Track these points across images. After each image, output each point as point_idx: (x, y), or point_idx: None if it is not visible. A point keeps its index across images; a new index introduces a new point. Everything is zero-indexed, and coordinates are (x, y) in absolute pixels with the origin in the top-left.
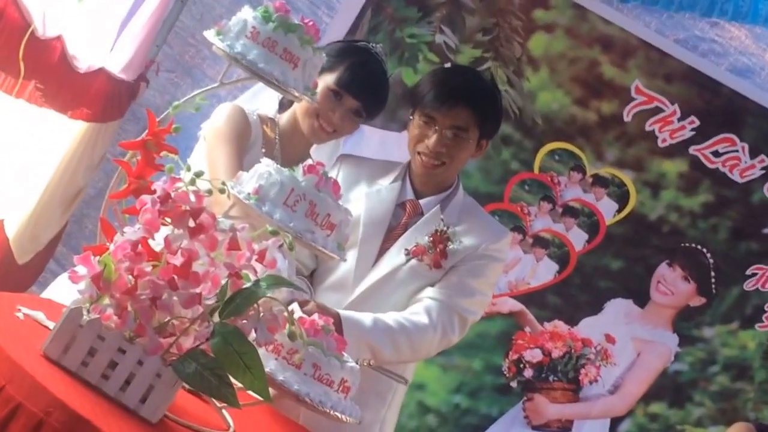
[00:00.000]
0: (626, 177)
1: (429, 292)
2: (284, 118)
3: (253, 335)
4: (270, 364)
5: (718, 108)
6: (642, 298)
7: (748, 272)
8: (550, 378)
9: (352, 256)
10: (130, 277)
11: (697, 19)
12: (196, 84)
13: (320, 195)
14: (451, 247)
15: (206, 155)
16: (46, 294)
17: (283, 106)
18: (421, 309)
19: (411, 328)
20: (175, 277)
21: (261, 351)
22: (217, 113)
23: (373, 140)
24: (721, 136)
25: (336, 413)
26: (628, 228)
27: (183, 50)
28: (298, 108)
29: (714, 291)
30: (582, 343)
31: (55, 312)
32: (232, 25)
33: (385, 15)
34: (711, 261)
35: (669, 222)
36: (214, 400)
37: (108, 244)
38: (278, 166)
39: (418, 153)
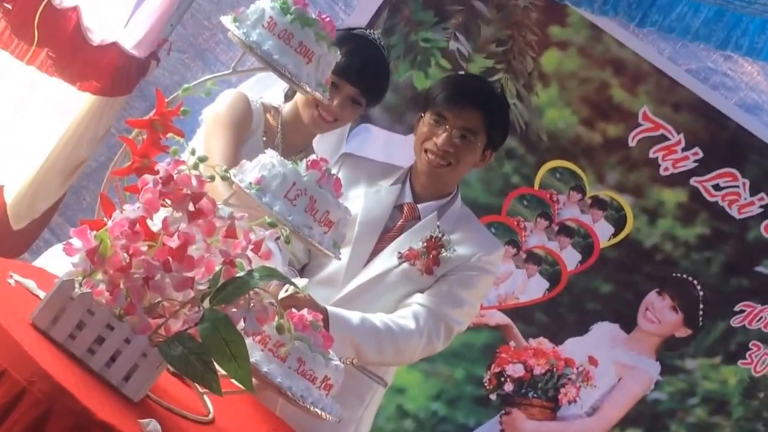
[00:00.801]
0: (625, 202)
1: (418, 297)
2: (287, 108)
3: (241, 324)
4: (256, 354)
5: (723, 142)
6: (629, 324)
7: (737, 308)
8: (530, 394)
9: (345, 253)
10: (125, 254)
11: (711, 50)
12: (207, 67)
13: (321, 191)
14: (444, 254)
15: (204, 139)
16: (39, 262)
17: (288, 96)
18: (408, 313)
19: (397, 332)
20: (170, 259)
21: (248, 341)
22: (220, 99)
23: (379, 141)
24: (724, 170)
25: (316, 409)
26: (622, 253)
27: (197, 32)
28: (299, 98)
29: (701, 323)
30: (565, 362)
31: (46, 282)
32: (250, 14)
33: (401, 17)
34: (701, 293)
35: (663, 251)
36: (196, 385)
37: (106, 219)
38: (282, 158)
39: (425, 150)
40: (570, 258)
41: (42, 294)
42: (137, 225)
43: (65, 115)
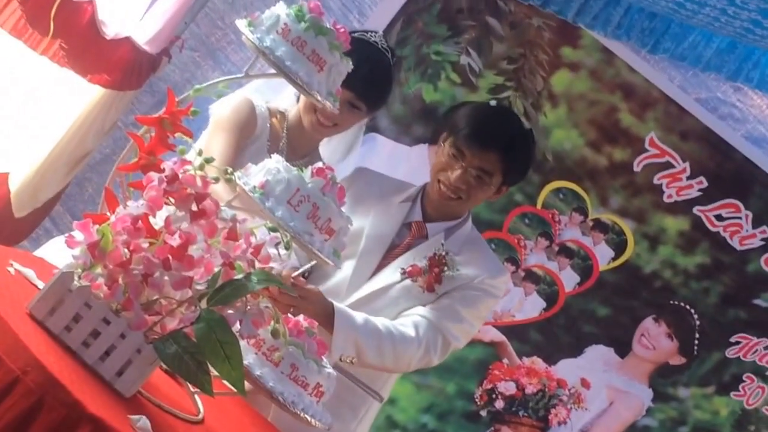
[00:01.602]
0: (627, 226)
1: (419, 309)
2: (292, 113)
3: (237, 327)
4: (249, 357)
5: (728, 172)
6: (623, 349)
7: (732, 339)
8: (520, 413)
9: (350, 266)
10: (126, 250)
11: (722, 81)
12: (218, 66)
13: (324, 199)
14: (447, 273)
15: (206, 140)
16: (40, 252)
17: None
18: (409, 322)
19: (397, 337)
20: (170, 257)
21: (242, 343)
22: (225, 101)
23: (384, 151)
24: (727, 201)
25: (306, 416)
26: (621, 277)
27: (210, 31)
28: (301, 103)
29: (695, 352)
30: (557, 383)
31: (46, 272)
32: (265, 19)
33: (414, 29)
34: (697, 322)
35: (662, 277)
36: (189, 384)
37: (109, 214)
38: (287, 164)
39: (439, 181)
40: (568, 279)
41: (41, 284)
42: (140, 222)
43: (74, 107)
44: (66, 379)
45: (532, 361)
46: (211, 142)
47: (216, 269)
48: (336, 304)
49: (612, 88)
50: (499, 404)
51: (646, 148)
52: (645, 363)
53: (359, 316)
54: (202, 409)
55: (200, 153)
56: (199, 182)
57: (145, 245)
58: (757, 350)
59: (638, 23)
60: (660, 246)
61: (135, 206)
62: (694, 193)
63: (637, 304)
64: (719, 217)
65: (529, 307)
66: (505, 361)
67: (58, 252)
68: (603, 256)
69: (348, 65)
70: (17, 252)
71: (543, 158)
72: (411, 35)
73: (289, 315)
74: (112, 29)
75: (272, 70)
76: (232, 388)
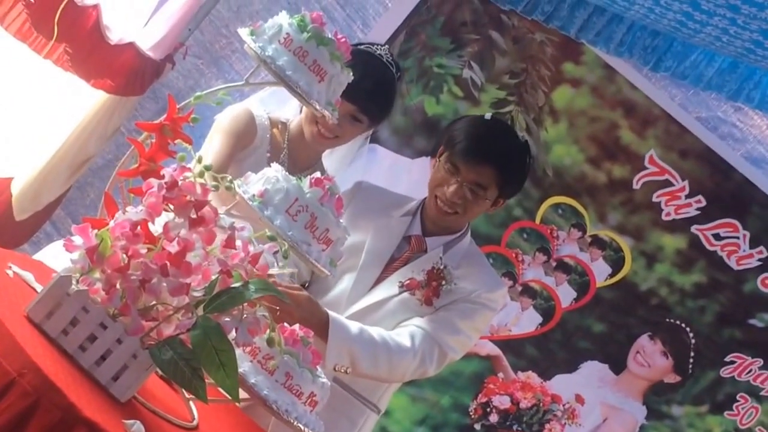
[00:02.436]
0: (624, 243)
1: (416, 320)
2: (294, 124)
3: (233, 334)
4: (244, 365)
5: (726, 192)
6: (618, 365)
7: (727, 359)
8: (514, 427)
9: (349, 279)
10: (125, 255)
11: (723, 100)
12: (221, 74)
13: (322, 209)
14: (445, 286)
15: (203, 146)
16: (39, 256)
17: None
18: (405, 333)
19: (393, 347)
20: (168, 263)
21: (238, 351)
22: (226, 112)
23: (385, 163)
24: (725, 220)
25: (299, 425)
26: (617, 294)
27: (214, 39)
28: (302, 114)
29: (690, 371)
30: (551, 398)
31: (44, 275)
32: (267, 28)
33: (417, 41)
34: (692, 341)
35: (658, 295)
36: (183, 390)
37: (108, 219)
38: (287, 173)
39: (435, 196)
40: (565, 295)
41: (39, 287)
42: (138, 227)
43: (77, 111)
44: (62, 383)
45: (528, 375)
46: (207, 145)
47: (213, 277)
48: (331, 313)
49: (613, 104)
50: (494, 418)
51: (645, 165)
52: (640, 380)
53: (354, 326)
54: (196, 416)
55: (200, 160)
56: (198, 190)
57: (144, 251)
58: (751, 370)
59: (640, 41)
60: (657, 264)
61: (134, 212)
62: (692, 211)
63: (633, 322)
64: (717, 237)
65: (526, 321)
66: (501, 375)
67: (57, 256)
68: (600, 272)
69: (349, 76)
70: (16, 255)
71: (543, 173)
72: (414, 47)
73: (285, 324)
74: (116, 34)
75: (273, 79)
76: (227, 395)
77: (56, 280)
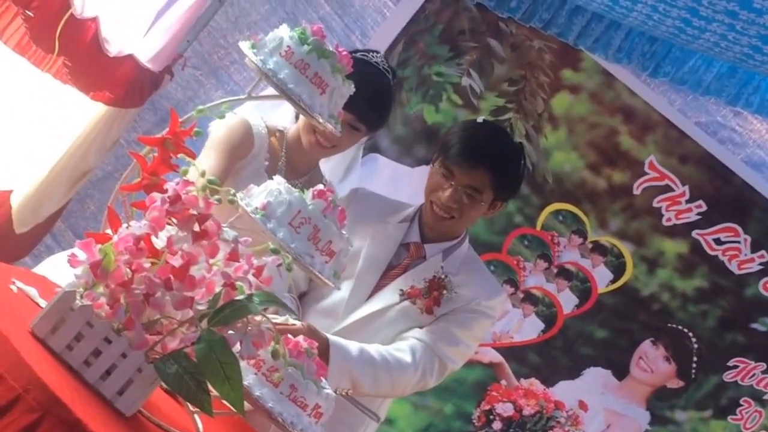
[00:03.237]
0: (626, 249)
1: (416, 332)
2: (291, 131)
3: (237, 347)
4: (249, 378)
5: (727, 197)
6: (621, 371)
7: (730, 363)
8: None
9: (347, 286)
10: (128, 270)
11: (722, 105)
12: (220, 85)
13: (325, 221)
14: (445, 295)
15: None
16: (41, 269)
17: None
18: (405, 347)
19: (393, 364)
20: (172, 277)
21: (243, 364)
22: (222, 122)
23: (385, 172)
24: (726, 225)
25: None
26: (619, 300)
27: (212, 50)
28: (299, 122)
29: (693, 376)
30: (555, 405)
31: (48, 290)
32: (268, 41)
33: (416, 50)
34: (695, 346)
35: (660, 300)
36: (188, 404)
37: (112, 234)
38: (289, 186)
39: (431, 202)
40: (567, 301)
41: (43, 303)
42: (142, 242)
43: (76, 123)
44: (67, 398)
45: (530, 382)
46: (203, 159)
47: (217, 290)
48: (331, 337)
49: (612, 111)
50: (497, 425)
51: (645, 171)
52: (643, 386)
53: (354, 347)
54: (201, 429)
55: (203, 174)
56: (201, 203)
57: (147, 265)
58: (754, 374)
59: (639, 47)
60: (658, 269)
61: (137, 226)
62: (693, 216)
63: (636, 327)
64: (718, 241)
65: (528, 328)
66: (504, 382)
67: (60, 270)
68: (602, 278)
69: (350, 88)
70: (19, 270)
71: (543, 180)
72: (412, 56)
73: (289, 336)
74: (115, 46)
75: (275, 92)
76: (232, 408)
77: (60, 295)
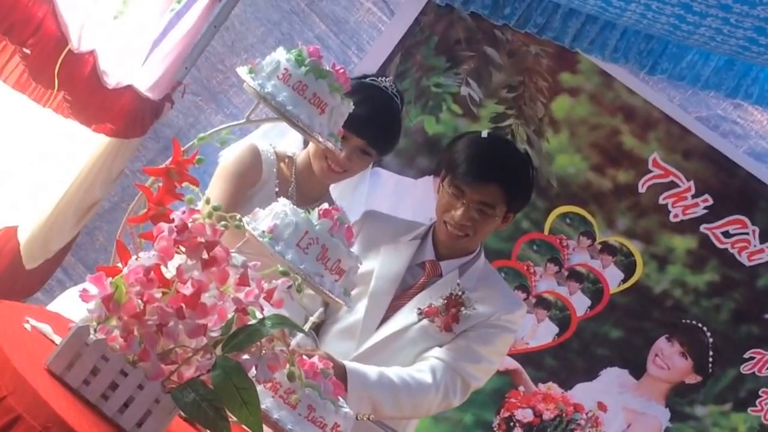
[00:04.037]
0: (635, 248)
1: (436, 352)
2: (301, 157)
3: (253, 372)
4: (266, 401)
5: (732, 189)
6: (638, 370)
7: (746, 355)
8: None
9: (362, 307)
10: (140, 301)
11: (722, 98)
12: (221, 110)
13: (333, 240)
14: (464, 312)
15: (209, 188)
16: (54, 305)
17: (306, 144)
18: (426, 367)
19: (414, 386)
20: (183, 306)
21: (259, 388)
22: (230, 150)
23: (389, 185)
24: (733, 217)
25: None
26: (632, 299)
27: (211, 75)
28: (310, 148)
29: (710, 370)
30: (574, 407)
31: (62, 326)
32: (265, 65)
33: (413, 62)
34: (710, 340)
35: (673, 297)
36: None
37: (121, 266)
38: (294, 207)
39: (444, 222)
40: (579, 303)
41: (57, 339)
42: (152, 272)
43: (80, 156)
44: None
45: (548, 387)
46: (212, 190)
47: (229, 315)
48: (348, 364)
49: (612, 111)
50: None
51: (649, 168)
52: (660, 383)
53: (372, 372)
54: None
55: (208, 201)
56: (208, 230)
57: (159, 295)
58: None
59: (635, 46)
60: (669, 265)
61: (147, 257)
62: (700, 211)
63: (650, 325)
64: (726, 234)
65: (542, 333)
66: (521, 388)
67: (73, 305)
68: (613, 278)
69: (349, 106)
70: (32, 308)
71: (548, 184)
72: (410, 68)
73: (304, 357)
74: (113, 78)
75: (275, 115)
76: None
77: (74, 330)
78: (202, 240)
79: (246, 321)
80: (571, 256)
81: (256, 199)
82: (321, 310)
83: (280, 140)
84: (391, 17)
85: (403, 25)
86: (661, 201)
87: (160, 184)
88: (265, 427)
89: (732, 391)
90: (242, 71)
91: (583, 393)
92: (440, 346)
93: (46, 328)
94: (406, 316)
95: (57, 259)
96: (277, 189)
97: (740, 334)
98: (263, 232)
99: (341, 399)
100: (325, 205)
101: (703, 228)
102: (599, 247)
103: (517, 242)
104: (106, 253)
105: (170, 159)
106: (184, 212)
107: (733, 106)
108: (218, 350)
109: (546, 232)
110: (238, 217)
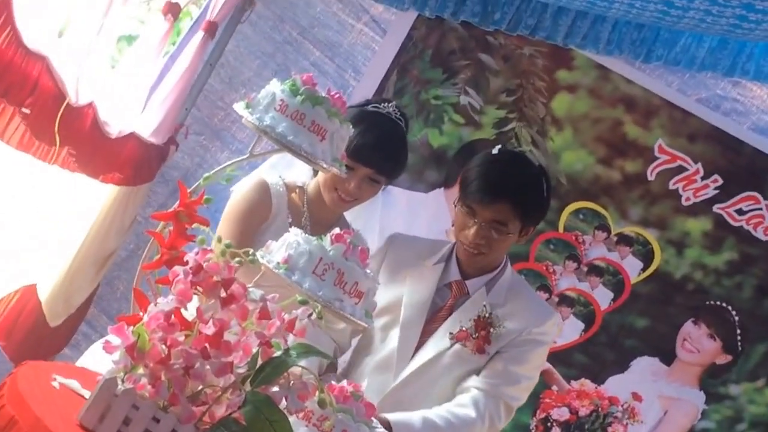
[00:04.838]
0: (651, 235)
1: (475, 381)
2: (311, 186)
3: (284, 403)
4: (301, 431)
5: (741, 166)
6: (668, 356)
7: None
8: None
9: (395, 336)
10: (164, 346)
11: (719, 78)
12: (225, 147)
13: (348, 263)
14: (494, 332)
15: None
16: (82, 362)
17: (316, 172)
18: (467, 400)
19: (459, 425)
20: (208, 346)
21: (292, 418)
22: (240, 185)
23: (401, 203)
24: (745, 194)
25: None
26: (653, 286)
27: (212, 113)
28: (320, 178)
29: (740, 348)
30: (609, 401)
31: (89, 381)
32: (261, 98)
33: (410, 77)
34: (736, 318)
35: (694, 280)
36: None
37: (141, 314)
38: (307, 235)
39: (461, 241)
40: (602, 297)
41: (87, 393)
42: (172, 316)
43: (91, 209)
44: None
45: (581, 383)
46: (222, 229)
47: (254, 350)
48: (391, 417)
49: (613, 102)
50: (556, 431)
51: (656, 155)
52: (692, 367)
53: (416, 420)
54: None
55: (220, 240)
56: (223, 268)
57: (182, 338)
58: None
59: (627, 36)
60: (686, 249)
61: (165, 302)
62: (710, 192)
63: (674, 310)
64: (740, 212)
65: (569, 330)
66: (554, 388)
67: (99, 358)
68: (632, 268)
69: (349, 129)
70: (58, 365)
71: (557, 182)
72: (408, 84)
73: (333, 382)
74: (115, 127)
75: (277, 146)
76: None
77: (102, 383)
78: (218, 279)
79: (271, 353)
80: (588, 251)
81: (269, 232)
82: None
83: (289, 171)
84: (384, 36)
85: (396, 43)
86: (671, 186)
87: (171, 228)
88: None
89: (763, 367)
90: (239, 107)
91: (616, 385)
92: (477, 369)
93: (74, 384)
94: (439, 342)
95: (80, 314)
96: (290, 220)
97: (765, 308)
98: (278, 263)
99: (374, 420)
100: (336, 229)
101: (716, 208)
102: (615, 239)
103: (534, 243)
104: (127, 302)
105: (178, 202)
106: (197, 253)
107: (731, 85)
108: (247, 386)
109: (561, 230)
110: (251, 252)
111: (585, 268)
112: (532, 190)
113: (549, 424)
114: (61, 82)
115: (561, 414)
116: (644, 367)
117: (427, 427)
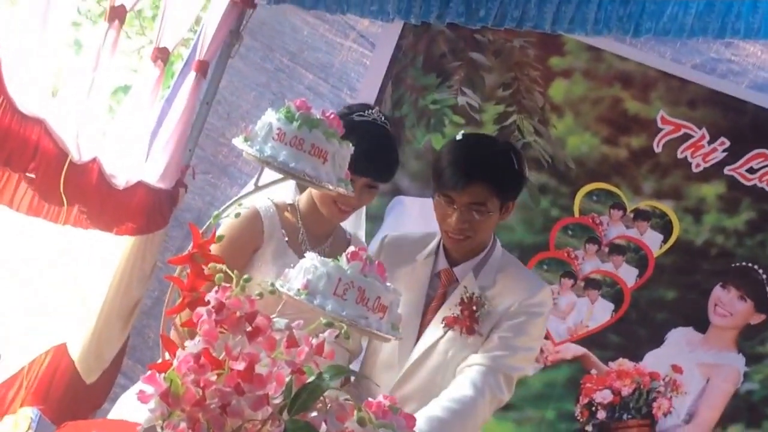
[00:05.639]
0: (666, 207)
1: (471, 358)
2: (303, 201)
3: (324, 427)
4: None
5: (745, 126)
6: (702, 324)
7: None
8: (624, 416)
9: None
10: (198, 388)
11: (711, 42)
12: (234, 182)
13: (367, 280)
14: (481, 311)
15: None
16: (115, 413)
17: (302, 187)
18: (463, 380)
19: (460, 409)
20: (240, 381)
21: None
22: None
23: (414, 210)
24: (753, 152)
25: None
26: (677, 257)
27: (215, 150)
28: (314, 193)
29: None
30: (650, 377)
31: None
32: (259, 130)
33: (405, 87)
34: (764, 276)
35: (716, 245)
36: None
37: (171, 359)
38: (323, 258)
39: (445, 231)
40: (627, 275)
41: None
42: (202, 358)
43: (110, 262)
44: None
45: (619, 363)
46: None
47: (287, 379)
48: None
49: (609, 81)
50: (601, 415)
51: (660, 127)
52: (727, 331)
53: (421, 421)
54: None
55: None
56: (245, 303)
57: (214, 378)
58: None
59: (614, 13)
60: (704, 215)
61: (193, 344)
62: (719, 155)
63: (701, 278)
64: (751, 170)
65: (599, 312)
66: (594, 371)
67: (132, 406)
68: (653, 242)
69: (349, 148)
70: (98, 422)
71: (566, 168)
72: (404, 93)
73: (369, 398)
74: (122, 179)
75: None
76: None
77: None
78: (241, 314)
79: (304, 380)
80: (607, 231)
81: (268, 253)
82: None
83: (274, 192)
84: (373, 50)
85: (387, 55)
86: (679, 155)
87: (188, 271)
88: None
89: None
90: (238, 141)
91: (654, 360)
92: (475, 351)
93: None
94: (434, 331)
95: (115, 367)
96: (286, 239)
97: None
98: (298, 290)
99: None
100: (351, 248)
101: (727, 171)
102: (632, 215)
103: (552, 231)
104: (159, 350)
105: (191, 244)
106: (217, 291)
107: (724, 46)
108: (285, 415)
109: (576, 214)
110: (269, 283)
111: (606, 249)
112: (503, 165)
113: (593, 408)
114: (61, 141)
115: (604, 396)
116: (679, 338)
117: (432, 426)
